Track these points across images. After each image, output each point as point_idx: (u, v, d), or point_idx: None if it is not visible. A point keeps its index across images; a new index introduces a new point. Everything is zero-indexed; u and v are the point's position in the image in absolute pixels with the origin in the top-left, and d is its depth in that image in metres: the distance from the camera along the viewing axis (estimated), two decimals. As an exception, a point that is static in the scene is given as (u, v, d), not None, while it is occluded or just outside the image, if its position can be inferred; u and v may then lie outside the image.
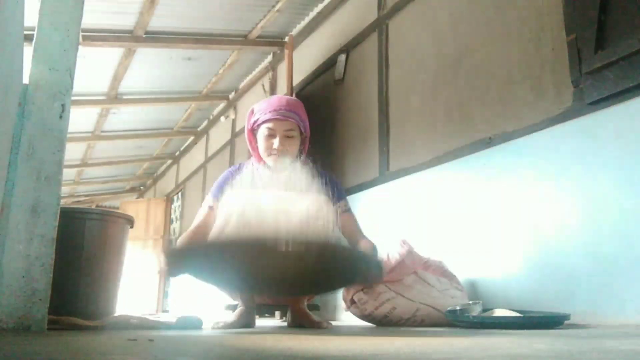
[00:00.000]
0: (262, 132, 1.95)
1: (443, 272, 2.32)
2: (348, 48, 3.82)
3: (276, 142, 1.92)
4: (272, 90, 5.03)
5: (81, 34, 1.83)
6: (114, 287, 2.27)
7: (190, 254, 1.50)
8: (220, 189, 1.98)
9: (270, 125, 1.92)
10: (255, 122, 1.97)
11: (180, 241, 1.95)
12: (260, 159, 2.00)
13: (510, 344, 0.99)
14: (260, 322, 2.75)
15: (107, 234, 2.21)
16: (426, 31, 3.04)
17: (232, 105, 6.21)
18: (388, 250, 2.19)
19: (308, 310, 2.06)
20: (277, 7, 4.27)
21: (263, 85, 5.17)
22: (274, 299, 2.22)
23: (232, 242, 1.44)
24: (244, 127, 5.90)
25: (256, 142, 2.00)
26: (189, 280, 1.92)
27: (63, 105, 1.53)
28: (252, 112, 2.01)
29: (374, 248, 1.89)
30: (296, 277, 1.49)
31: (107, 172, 8.95)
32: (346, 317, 3.04)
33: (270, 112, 1.92)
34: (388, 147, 3.22)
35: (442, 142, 2.75)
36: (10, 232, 1.40)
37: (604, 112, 1.92)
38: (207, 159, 7.07)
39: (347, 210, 2.01)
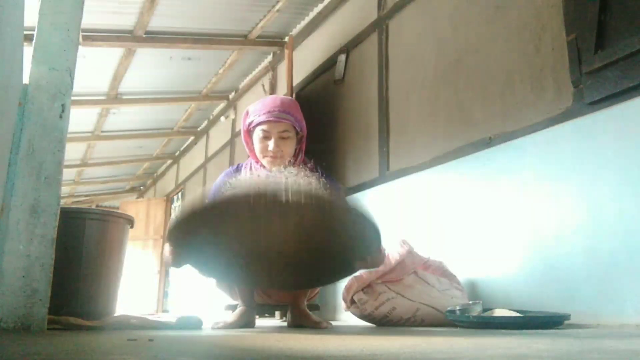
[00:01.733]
0: (257, 133, 1.95)
1: (443, 272, 2.32)
2: (348, 48, 3.82)
3: (271, 144, 1.92)
4: (272, 90, 5.03)
5: (81, 34, 1.83)
6: (114, 287, 2.27)
7: (193, 219, 1.40)
8: (219, 192, 1.99)
9: (264, 127, 1.92)
10: (250, 123, 1.97)
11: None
12: (257, 159, 2.00)
13: (510, 344, 0.99)
14: (260, 322, 2.75)
15: (107, 234, 2.22)
16: (426, 31, 3.04)
17: (232, 105, 6.21)
18: (388, 250, 2.18)
19: (308, 311, 2.06)
20: (277, 7, 4.27)
21: (263, 85, 5.17)
22: (274, 298, 2.22)
23: (232, 197, 1.34)
24: (243, 127, 5.89)
25: (252, 142, 2.00)
26: (189, 276, 1.93)
27: (63, 105, 1.53)
28: (247, 113, 2.01)
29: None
30: (295, 243, 1.44)
31: (107, 172, 8.95)
32: (346, 317, 3.04)
33: (264, 113, 1.91)
34: (388, 147, 3.22)
35: (442, 142, 2.75)
36: (10, 232, 1.40)
37: (604, 112, 1.92)
38: (207, 159, 7.08)
39: None
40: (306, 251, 1.49)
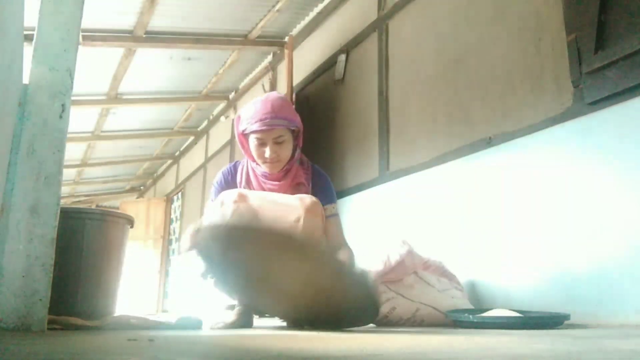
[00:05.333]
0: (252, 141, 1.95)
1: (443, 272, 2.32)
2: (348, 48, 3.82)
3: (267, 151, 1.92)
4: (272, 91, 5.03)
5: (81, 34, 1.83)
6: (114, 287, 2.27)
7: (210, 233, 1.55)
8: (218, 193, 2.01)
9: (258, 135, 1.92)
10: (244, 130, 1.97)
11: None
12: (254, 159, 2.01)
13: (510, 344, 0.99)
14: (260, 322, 2.75)
15: (107, 234, 2.21)
16: (426, 31, 3.04)
17: (232, 105, 6.21)
18: (388, 250, 2.19)
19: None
20: (277, 7, 4.27)
21: (263, 85, 5.16)
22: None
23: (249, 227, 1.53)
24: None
25: (249, 146, 2.00)
26: (189, 276, 1.94)
27: (63, 105, 1.53)
28: (239, 119, 2.00)
29: (351, 257, 1.93)
30: (300, 289, 1.56)
31: (107, 172, 8.95)
32: (346, 317, 3.04)
33: (256, 122, 1.90)
34: (388, 147, 3.22)
35: (442, 142, 2.75)
36: (10, 232, 1.40)
37: (604, 112, 1.92)
38: (207, 159, 7.07)
39: (333, 215, 2.01)
40: (310, 301, 1.61)
